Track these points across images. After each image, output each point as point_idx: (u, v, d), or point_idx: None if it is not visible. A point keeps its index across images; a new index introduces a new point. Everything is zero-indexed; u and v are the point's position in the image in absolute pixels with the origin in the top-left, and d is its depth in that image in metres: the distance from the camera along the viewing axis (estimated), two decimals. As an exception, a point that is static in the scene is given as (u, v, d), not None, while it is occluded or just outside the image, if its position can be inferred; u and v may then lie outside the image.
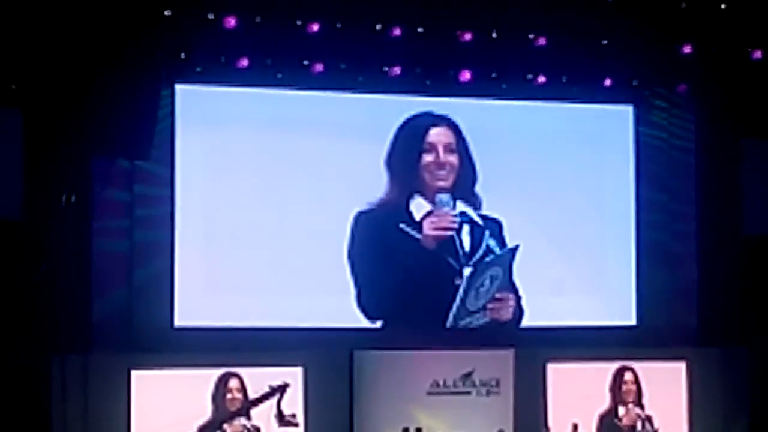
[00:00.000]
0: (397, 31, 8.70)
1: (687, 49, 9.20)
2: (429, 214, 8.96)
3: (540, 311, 9.28)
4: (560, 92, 9.35)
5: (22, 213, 7.97)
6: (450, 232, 8.95)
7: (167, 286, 8.58)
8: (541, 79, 9.22)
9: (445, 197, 8.96)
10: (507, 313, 9.12)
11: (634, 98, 9.65)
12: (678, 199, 9.73)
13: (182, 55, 8.45)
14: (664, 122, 9.75)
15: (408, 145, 9.01)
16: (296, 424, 8.27)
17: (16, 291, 7.95)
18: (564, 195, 9.45)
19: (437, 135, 9.04)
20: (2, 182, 7.91)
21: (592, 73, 9.33)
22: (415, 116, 9.10)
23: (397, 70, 8.91)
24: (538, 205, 9.38)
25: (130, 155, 8.28)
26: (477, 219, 9.14)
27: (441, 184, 8.99)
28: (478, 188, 9.17)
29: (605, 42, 9.08)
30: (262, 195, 8.81)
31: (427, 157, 9.01)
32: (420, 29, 8.74)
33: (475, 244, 9.08)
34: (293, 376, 8.50)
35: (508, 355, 8.95)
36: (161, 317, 8.54)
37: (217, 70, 8.62)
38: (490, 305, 9.06)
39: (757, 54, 9.14)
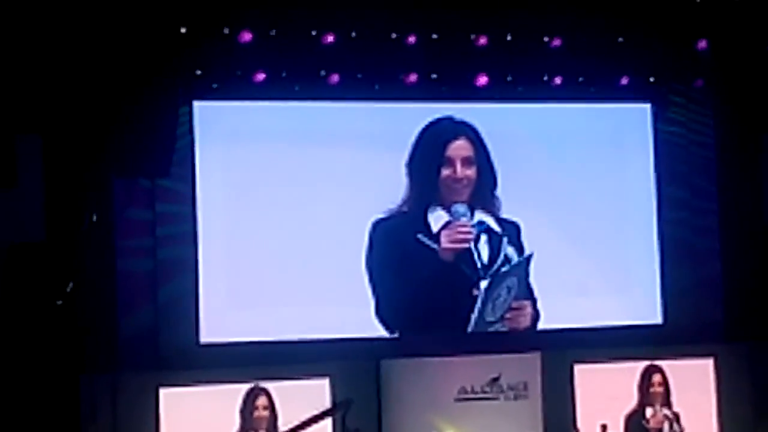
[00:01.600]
0: (411, 39, 8.71)
1: (703, 45, 9.18)
2: (446, 225, 8.95)
3: (565, 313, 9.25)
4: (577, 93, 9.33)
5: (45, 235, 8.00)
6: (467, 245, 8.94)
7: (192, 303, 8.58)
8: (558, 80, 9.20)
9: (461, 208, 8.94)
10: (525, 321, 9.11)
11: (651, 96, 9.62)
12: (699, 195, 9.70)
13: (199, 72, 8.47)
14: (683, 119, 9.72)
15: (427, 157, 9.00)
16: None
17: (43, 313, 7.97)
18: (585, 195, 9.44)
19: (456, 149, 9.01)
20: (25, 206, 7.94)
21: (608, 73, 9.31)
22: (437, 122, 9.07)
23: (413, 77, 8.90)
24: (559, 206, 9.36)
25: (150, 174, 8.31)
26: (495, 226, 9.12)
27: (457, 197, 8.98)
28: (498, 191, 9.17)
29: (620, 40, 9.07)
30: (283, 208, 8.81)
31: (445, 171, 8.99)
32: (434, 35, 8.75)
33: (493, 253, 9.07)
34: (320, 387, 8.49)
35: (534, 358, 8.93)
36: (187, 334, 8.55)
37: (233, 85, 8.63)
38: (507, 315, 9.05)
39: (773, 47, 9.13)
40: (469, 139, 9.07)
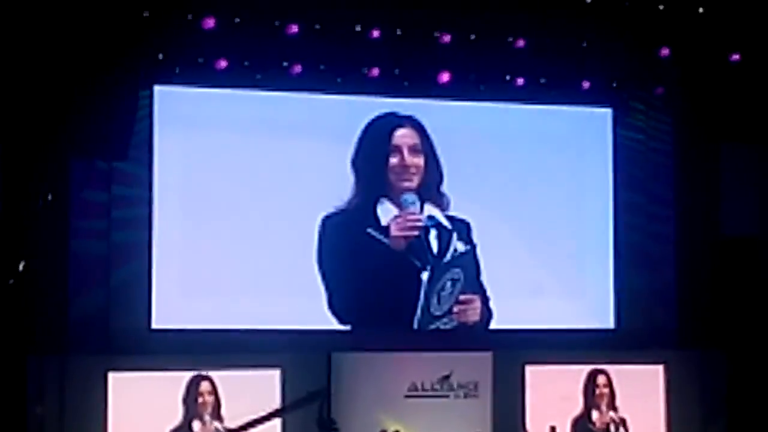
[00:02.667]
0: (376, 33, 8.71)
1: (665, 52, 9.23)
2: (396, 217, 8.96)
3: (518, 314, 9.28)
4: (539, 94, 9.36)
5: (-1, 214, 7.96)
6: (416, 232, 8.95)
7: (144, 288, 8.54)
8: (520, 81, 9.24)
9: (410, 197, 8.95)
10: (474, 315, 9.12)
11: (612, 101, 9.67)
12: (656, 201, 9.75)
13: (160, 56, 8.45)
14: (642, 125, 9.77)
15: (373, 148, 9.01)
16: (337, 429, 8.05)
17: (-7, 291, 7.93)
18: (542, 197, 9.46)
19: (402, 137, 9.04)
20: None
21: (570, 76, 9.36)
22: (379, 117, 9.08)
23: (375, 71, 8.91)
24: (516, 207, 9.39)
25: (108, 156, 8.24)
26: (444, 221, 9.13)
27: (407, 185, 8.99)
28: (444, 188, 9.15)
29: (584, 44, 9.11)
30: (240, 197, 8.79)
31: (393, 159, 9.00)
32: (399, 31, 8.75)
33: (443, 246, 9.08)
34: (270, 378, 8.48)
35: (486, 357, 8.94)
36: (138, 319, 8.51)
37: (195, 71, 8.60)
38: (455, 308, 9.06)
39: (735, 57, 9.18)
40: (414, 128, 9.09)
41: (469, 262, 9.11)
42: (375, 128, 9.05)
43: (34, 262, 7.94)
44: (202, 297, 8.66)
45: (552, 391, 9.10)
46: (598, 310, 9.55)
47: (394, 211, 8.98)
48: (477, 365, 8.93)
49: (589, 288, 9.57)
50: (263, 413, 7.35)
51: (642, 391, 9.30)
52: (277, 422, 8.23)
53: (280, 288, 8.78)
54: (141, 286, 8.53)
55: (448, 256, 9.08)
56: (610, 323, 9.57)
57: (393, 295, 8.96)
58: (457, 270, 9.06)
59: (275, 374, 8.50)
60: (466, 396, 8.90)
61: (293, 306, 8.80)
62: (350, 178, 8.96)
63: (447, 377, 8.88)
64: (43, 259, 8.06)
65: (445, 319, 9.04)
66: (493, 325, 9.24)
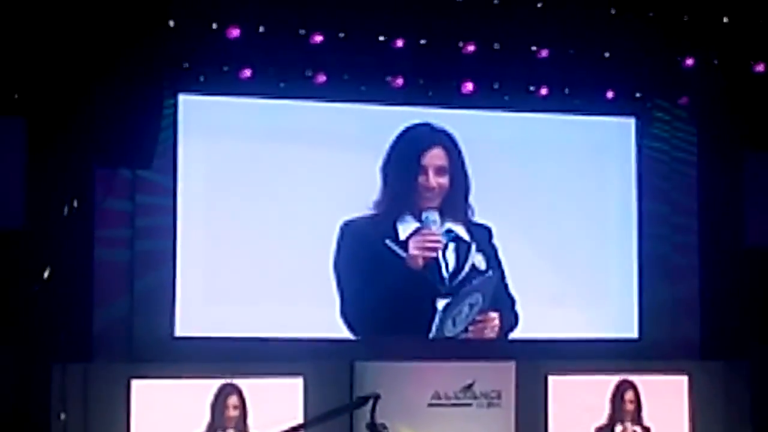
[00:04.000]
0: (399, 43, 8.70)
1: (689, 62, 9.21)
2: (415, 232, 8.98)
3: (542, 323, 9.27)
4: (562, 104, 9.37)
5: (24, 222, 7.97)
6: (435, 253, 8.97)
7: (168, 296, 8.57)
8: (544, 90, 9.24)
9: (432, 215, 8.98)
10: (491, 332, 9.15)
11: (636, 110, 9.65)
12: (680, 211, 9.73)
13: (185, 65, 8.48)
14: (666, 135, 9.75)
15: (403, 164, 9.04)
16: None
17: (18, 299, 7.94)
18: (566, 207, 9.46)
19: (431, 158, 9.05)
20: (5, 191, 7.91)
21: (594, 85, 9.35)
22: (414, 128, 9.10)
23: (399, 81, 8.92)
24: (540, 217, 9.38)
25: (132, 164, 8.29)
26: (464, 234, 9.13)
27: (428, 204, 9.02)
28: (471, 199, 9.16)
29: (608, 54, 9.08)
30: (264, 205, 8.81)
31: (420, 178, 9.03)
32: (423, 41, 8.75)
33: (460, 263, 9.08)
34: (293, 386, 8.49)
35: (509, 367, 8.94)
36: (162, 327, 8.54)
37: (220, 80, 8.62)
38: (471, 327, 9.08)
39: (760, 67, 9.15)
40: (444, 147, 9.10)
41: (490, 283, 9.12)
42: (406, 141, 9.06)
43: (59, 270, 7.97)
44: (226, 305, 8.69)
45: (575, 402, 9.08)
46: (621, 320, 9.53)
47: (414, 225, 9.00)
48: (500, 374, 8.94)
49: (612, 298, 9.55)
50: (309, 418, 7.36)
51: (666, 402, 9.28)
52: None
53: (303, 296, 8.80)
54: (164, 295, 8.56)
55: (464, 273, 9.07)
56: (633, 333, 9.54)
57: (405, 310, 8.98)
58: (477, 295, 9.08)
59: (298, 382, 8.50)
60: (489, 405, 8.90)
61: (316, 314, 8.82)
62: (377, 183, 8.97)
63: (470, 386, 8.88)
64: (67, 267, 8.07)
65: (460, 337, 9.08)
66: (516, 335, 9.23)
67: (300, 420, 8.23)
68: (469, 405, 8.85)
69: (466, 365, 8.88)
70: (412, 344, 8.90)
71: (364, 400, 7.14)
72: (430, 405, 8.80)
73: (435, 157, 9.08)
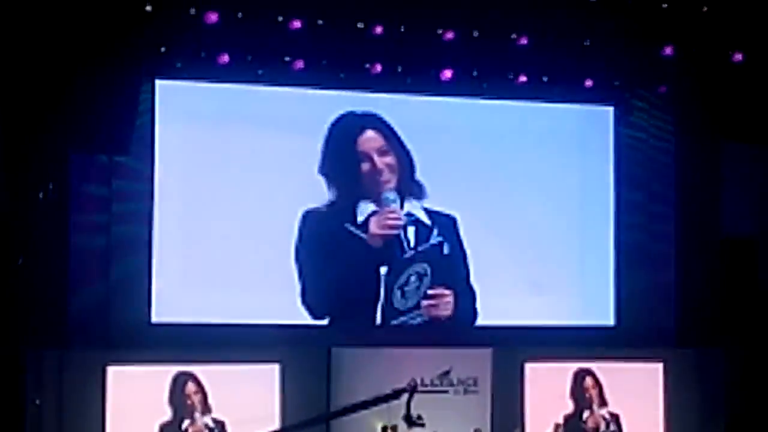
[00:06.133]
0: (378, 29, 8.68)
1: (668, 51, 9.21)
2: (375, 212, 8.97)
3: (519, 311, 9.30)
4: (541, 92, 9.37)
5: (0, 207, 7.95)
6: (396, 231, 8.96)
7: (144, 282, 8.55)
8: (523, 78, 9.24)
9: (391, 195, 8.98)
10: (445, 310, 9.14)
11: (614, 99, 9.68)
12: (657, 200, 9.76)
13: (163, 50, 8.43)
14: (644, 123, 9.78)
15: (341, 155, 8.99)
16: (422, 425, 7.84)
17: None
18: (544, 194, 9.47)
19: (367, 141, 9.03)
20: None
21: (573, 74, 9.35)
22: (338, 120, 9.03)
23: (378, 68, 8.90)
24: (517, 203, 9.41)
25: (109, 150, 8.27)
26: (424, 218, 9.13)
27: (386, 186, 9.01)
28: (417, 175, 9.13)
29: (587, 43, 9.08)
30: (241, 191, 8.80)
31: (364, 166, 9.00)
32: (402, 27, 8.73)
33: (421, 242, 9.08)
34: (270, 372, 8.48)
35: (486, 354, 8.96)
36: (138, 313, 8.52)
37: (197, 66, 8.59)
38: (424, 302, 9.08)
39: (738, 56, 9.16)
40: (376, 128, 9.08)
41: (440, 255, 9.10)
42: (338, 134, 9.00)
43: (34, 257, 7.95)
44: (203, 291, 8.68)
45: (551, 389, 9.11)
46: (598, 308, 9.57)
47: (373, 207, 8.99)
48: (476, 361, 8.95)
49: (589, 286, 9.59)
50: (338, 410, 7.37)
51: (641, 388, 9.31)
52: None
53: (280, 283, 8.79)
54: (141, 280, 8.54)
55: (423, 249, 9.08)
56: (610, 321, 9.58)
57: (367, 290, 8.95)
58: (423, 264, 9.05)
59: (275, 369, 8.50)
60: (465, 392, 8.91)
61: (293, 301, 8.81)
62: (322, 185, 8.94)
63: (447, 373, 8.86)
64: (43, 252, 8.06)
65: (411, 314, 9.05)
66: (493, 321, 9.24)
67: (277, 407, 8.28)
68: (446, 392, 8.86)
69: (443, 352, 8.86)
70: (387, 330, 8.91)
71: (400, 391, 7.10)
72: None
73: (370, 140, 9.05)
